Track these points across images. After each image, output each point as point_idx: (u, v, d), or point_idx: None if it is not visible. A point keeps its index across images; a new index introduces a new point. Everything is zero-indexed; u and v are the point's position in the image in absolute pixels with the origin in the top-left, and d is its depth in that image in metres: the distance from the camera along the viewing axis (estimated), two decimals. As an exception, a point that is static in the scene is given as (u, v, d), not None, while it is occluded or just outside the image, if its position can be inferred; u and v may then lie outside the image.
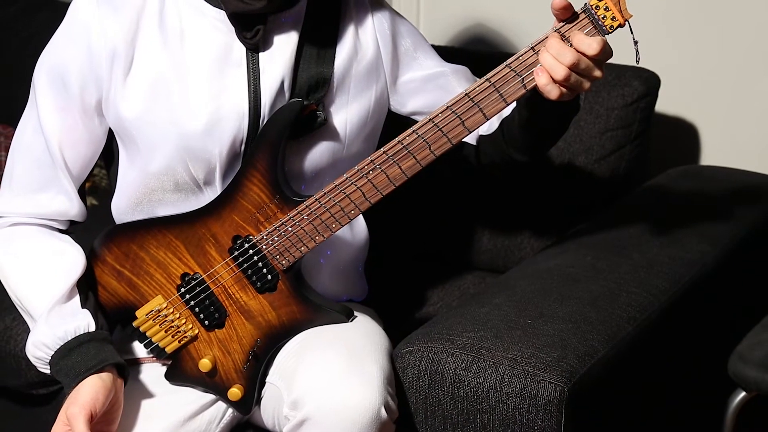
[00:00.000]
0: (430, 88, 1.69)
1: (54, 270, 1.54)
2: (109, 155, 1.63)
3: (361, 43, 1.62)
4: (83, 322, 1.51)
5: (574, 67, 1.38)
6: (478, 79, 1.69)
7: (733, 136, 2.21)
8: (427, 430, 1.51)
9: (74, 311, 1.52)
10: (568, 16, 1.39)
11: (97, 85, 1.53)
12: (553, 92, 1.40)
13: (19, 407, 1.99)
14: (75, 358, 1.48)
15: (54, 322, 1.50)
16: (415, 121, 1.58)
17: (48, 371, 1.52)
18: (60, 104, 1.54)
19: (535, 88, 1.42)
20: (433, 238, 2.13)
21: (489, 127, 1.65)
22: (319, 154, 1.58)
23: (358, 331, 1.55)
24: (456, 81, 1.70)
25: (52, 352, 1.50)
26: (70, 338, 1.50)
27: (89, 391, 1.45)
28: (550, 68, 1.38)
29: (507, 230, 2.05)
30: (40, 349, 1.51)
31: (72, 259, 1.55)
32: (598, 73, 1.41)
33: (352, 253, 1.69)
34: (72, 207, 1.58)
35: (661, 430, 1.81)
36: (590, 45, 1.38)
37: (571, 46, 1.38)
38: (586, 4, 1.40)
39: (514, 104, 1.49)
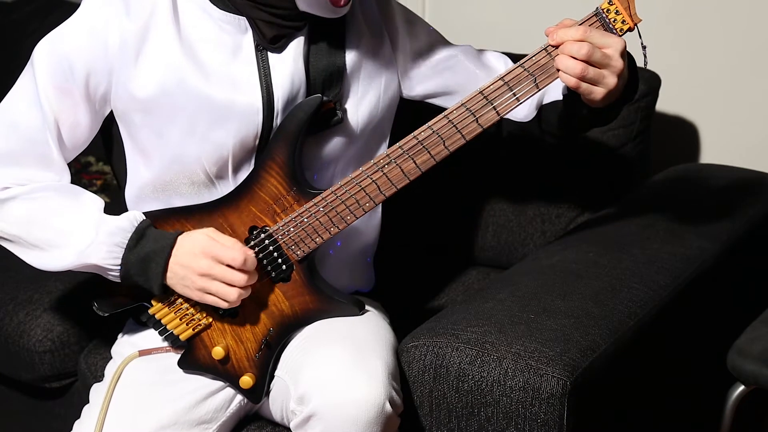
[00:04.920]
0: (439, 69, 1.72)
1: (81, 201, 1.55)
2: (108, 146, 1.64)
3: (369, 33, 1.63)
4: (137, 212, 1.55)
5: (587, 58, 1.41)
6: (481, 53, 1.75)
7: (732, 134, 2.21)
8: (432, 423, 1.52)
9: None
10: None
11: (107, 77, 1.53)
12: (570, 82, 1.43)
13: (33, 401, 2.00)
14: (153, 237, 1.51)
15: (117, 216, 1.53)
16: (429, 106, 1.64)
17: (117, 262, 1.51)
18: (63, 87, 1.53)
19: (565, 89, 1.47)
20: (438, 235, 2.13)
21: (528, 112, 1.71)
22: (332, 146, 1.60)
23: (364, 327, 1.56)
24: (465, 58, 1.73)
25: (129, 234, 1.51)
26: (141, 219, 1.53)
27: (208, 229, 1.52)
28: (566, 67, 1.43)
29: (510, 227, 2.05)
30: (116, 235, 1.51)
31: (91, 195, 1.56)
32: (616, 63, 1.43)
33: (361, 244, 1.71)
34: (60, 180, 1.58)
35: (662, 423, 1.81)
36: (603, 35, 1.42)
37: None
38: (597, 7, 1.43)
39: (526, 103, 1.52)
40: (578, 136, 1.89)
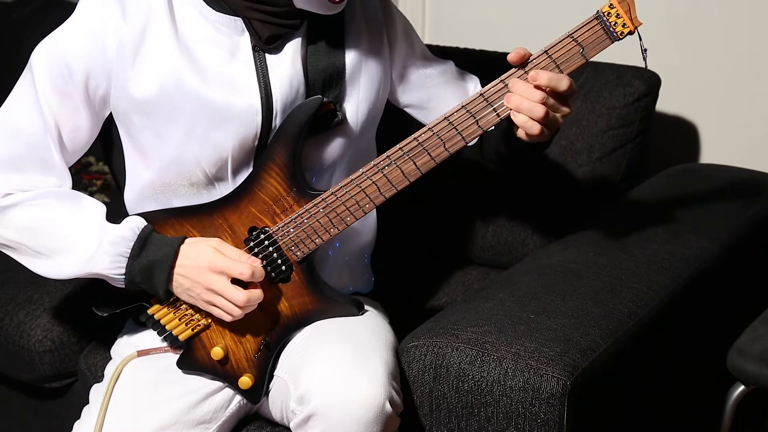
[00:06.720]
0: (428, 84, 1.74)
1: (83, 207, 1.54)
2: (107, 148, 1.63)
3: (369, 33, 1.64)
4: (138, 219, 1.54)
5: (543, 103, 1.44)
6: (462, 73, 1.78)
7: (732, 134, 2.21)
8: (432, 423, 1.53)
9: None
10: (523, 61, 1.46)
11: (106, 79, 1.53)
12: (534, 128, 1.45)
13: (33, 401, 2.00)
14: (156, 244, 1.51)
15: (118, 224, 1.52)
16: (409, 115, 1.67)
17: (122, 271, 1.51)
18: (62, 90, 1.52)
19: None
20: (438, 235, 2.14)
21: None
22: (332, 147, 1.60)
23: (364, 326, 1.56)
24: (451, 76, 1.75)
25: (132, 243, 1.51)
26: (142, 226, 1.53)
27: (214, 241, 1.52)
28: (528, 110, 1.44)
29: (510, 227, 2.05)
30: (119, 245, 1.50)
31: (92, 200, 1.56)
32: (565, 109, 1.47)
33: (359, 244, 1.71)
34: (62, 185, 1.57)
35: (662, 423, 1.81)
36: (560, 81, 1.43)
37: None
38: (598, 11, 1.43)
39: None
40: (513, 168, 1.90)
